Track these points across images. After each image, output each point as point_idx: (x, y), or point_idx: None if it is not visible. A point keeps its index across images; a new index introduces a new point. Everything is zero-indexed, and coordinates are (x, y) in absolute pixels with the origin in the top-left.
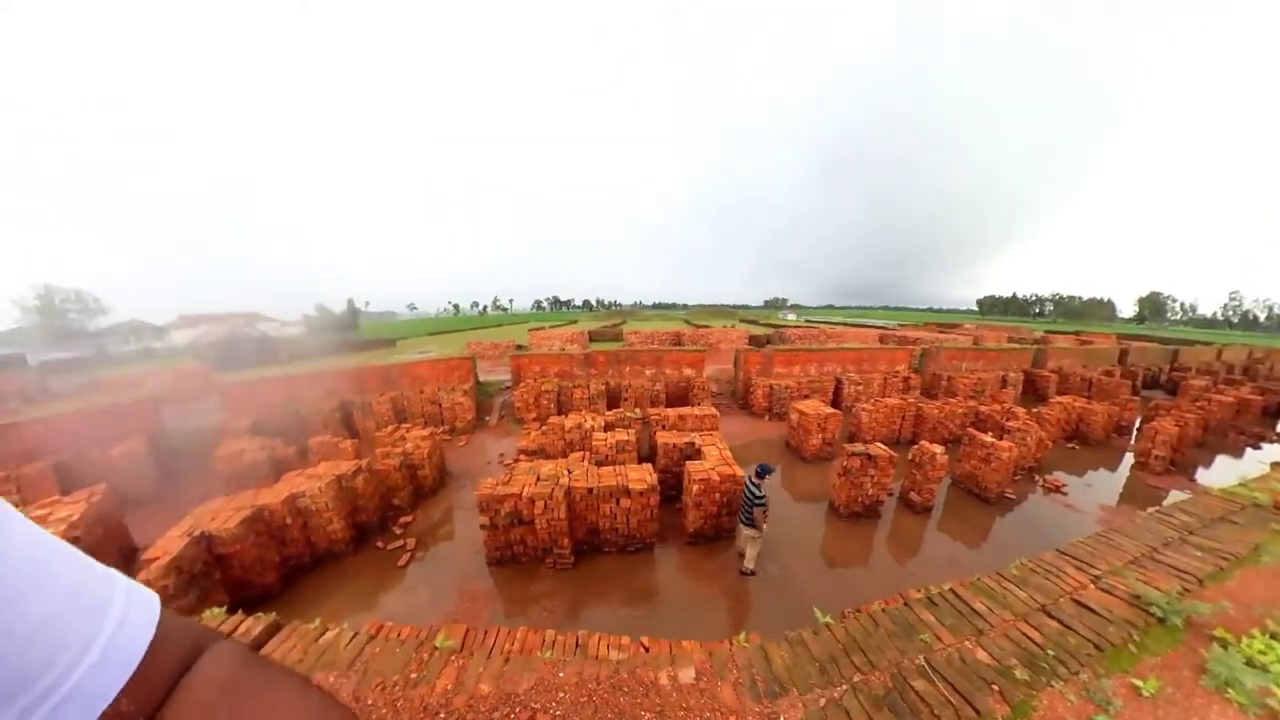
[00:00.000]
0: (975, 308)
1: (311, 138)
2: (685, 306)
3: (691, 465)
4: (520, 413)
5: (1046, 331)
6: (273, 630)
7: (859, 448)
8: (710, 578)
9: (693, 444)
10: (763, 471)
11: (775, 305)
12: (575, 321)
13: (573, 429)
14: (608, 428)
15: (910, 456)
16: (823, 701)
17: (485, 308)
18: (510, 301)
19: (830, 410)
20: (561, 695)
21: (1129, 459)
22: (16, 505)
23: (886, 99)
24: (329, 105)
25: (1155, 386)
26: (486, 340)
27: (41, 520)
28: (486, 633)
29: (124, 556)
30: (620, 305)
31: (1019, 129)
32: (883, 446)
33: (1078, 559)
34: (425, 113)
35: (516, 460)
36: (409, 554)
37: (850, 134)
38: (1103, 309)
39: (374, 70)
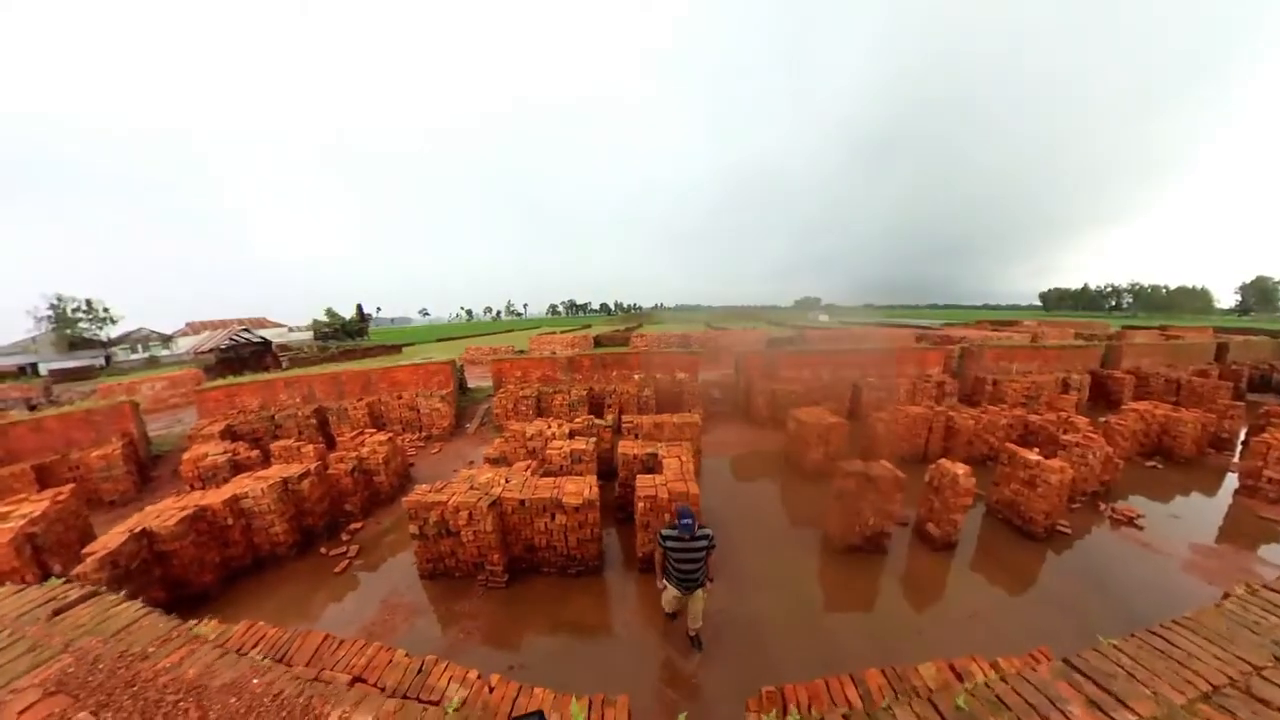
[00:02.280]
0: (1040, 303)
1: (318, 139)
2: (709, 309)
3: (641, 479)
4: (499, 419)
5: (1125, 327)
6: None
7: (855, 465)
8: (656, 612)
9: (654, 455)
10: (680, 517)
11: (806, 306)
12: (589, 326)
13: (534, 436)
14: (572, 435)
15: (927, 478)
16: None
17: (498, 313)
18: (525, 306)
19: (834, 419)
20: (232, 700)
21: (1231, 481)
22: None
23: (942, 62)
24: (333, 104)
25: (1265, 389)
26: (485, 345)
27: (3, 516)
28: (342, 643)
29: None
30: (639, 308)
31: (1099, 94)
32: (886, 465)
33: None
34: (436, 106)
35: (469, 469)
36: (348, 561)
37: (898, 107)
38: (1195, 299)
39: (380, 58)
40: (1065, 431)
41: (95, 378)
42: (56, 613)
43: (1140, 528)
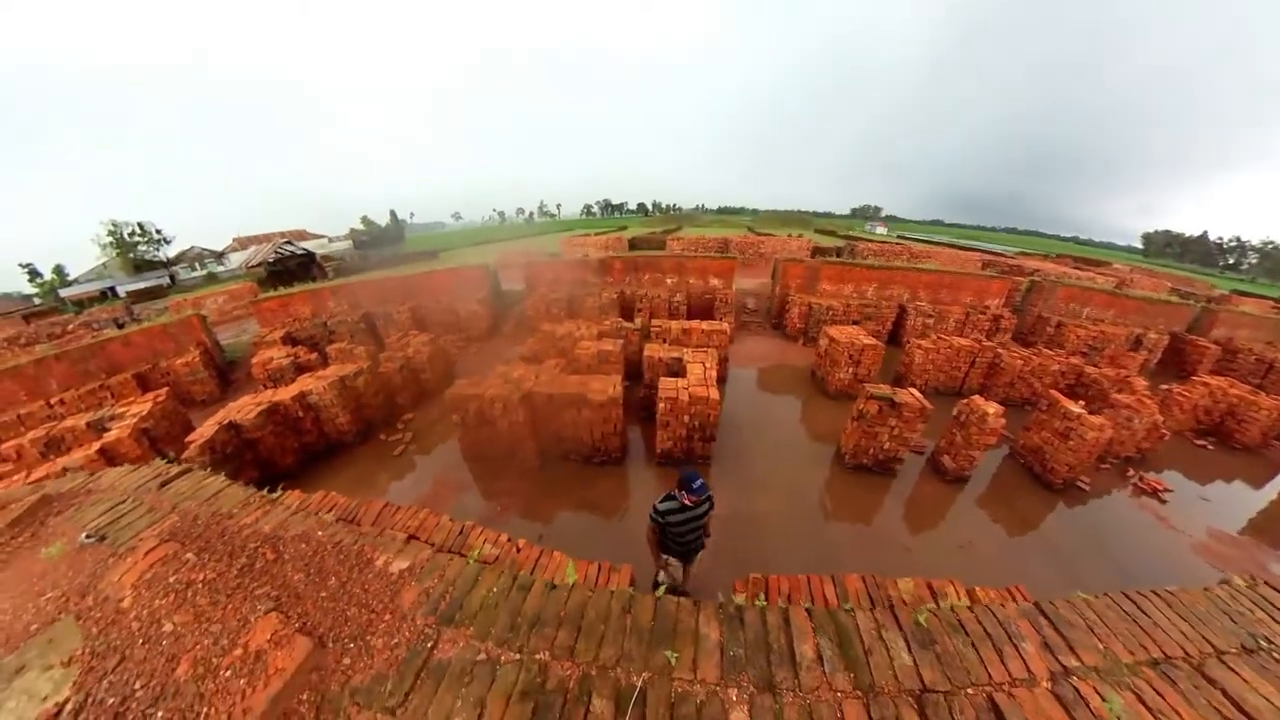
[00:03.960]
0: (1140, 245)
1: (343, 33)
2: (754, 212)
3: (664, 381)
4: (532, 321)
5: (1235, 291)
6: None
7: (883, 390)
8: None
9: (679, 359)
10: (690, 483)
11: (864, 215)
12: (625, 228)
13: (564, 337)
14: (601, 337)
15: (955, 412)
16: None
17: (531, 214)
18: (558, 207)
19: (869, 342)
20: (302, 546)
21: None
22: (108, 405)
23: None
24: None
25: None
26: (518, 249)
27: (122, 415)
28: (399, 509)
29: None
30: (679, 209)
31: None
32: (914, 394)
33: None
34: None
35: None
36: (404, 446)
37: None
38: None
39: None
40: (1119, 390)
41: (166, 295)
42: (163, 484)
43: (1163, 501)
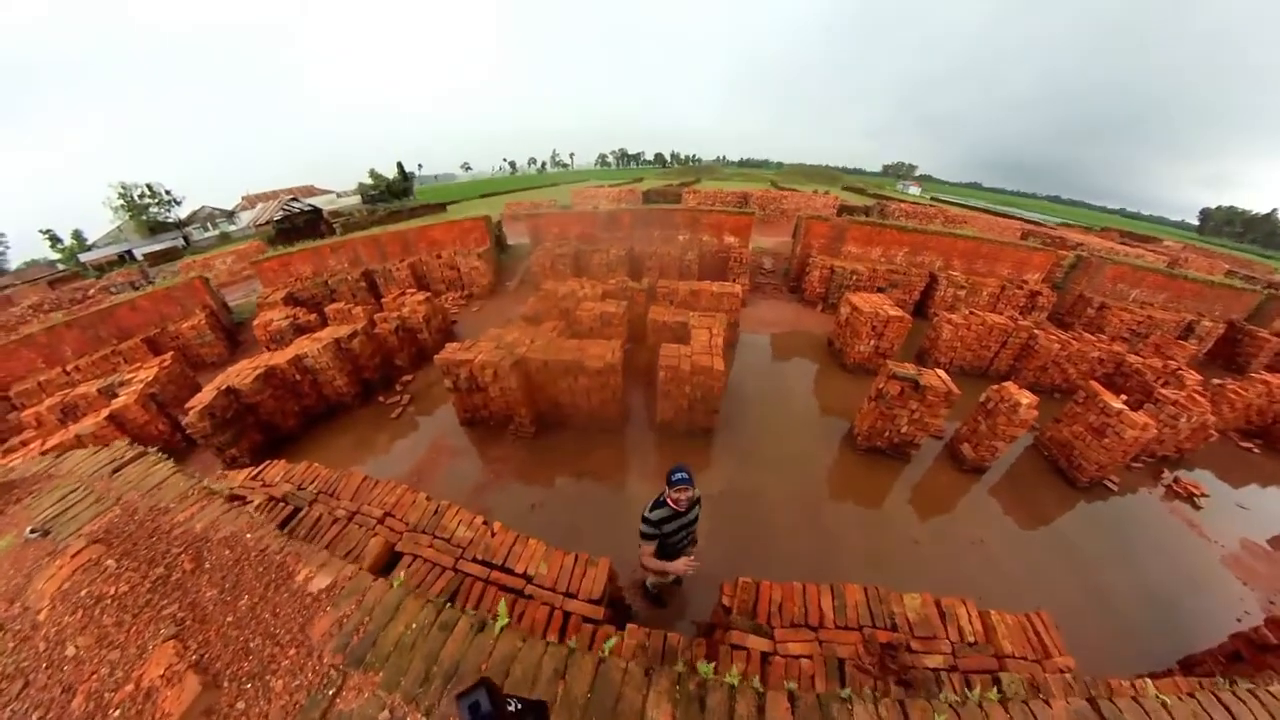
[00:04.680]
0: (1196, 222)
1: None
2: (779, 166)
3: (665, 348)
4: (537, 277)
5: None
6: None
7: (907, 370)
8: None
9: (684, 324)
10: (678, 479)
11: (897, 173)
12: (641, 179)
13: (566, 296)
14: (605, 297)
15: (983, 398)
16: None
17: (543, 164)
18: (571, 156)
19: (895, 313)
20: (226, 553)
21: None
22: (121, 371)
23: None
24: None
25: None
26: (527, 200)
27: (130, 381)
28: (378, 483)
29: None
30: (699, 161)
31: None
32: (942, 376)
33: None
34: None
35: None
36: (402, 408)
37: None
38: None
39: None
40: (1165, 383)
41: (181, 257)
42: (115, 470)
43: (1198, 506)
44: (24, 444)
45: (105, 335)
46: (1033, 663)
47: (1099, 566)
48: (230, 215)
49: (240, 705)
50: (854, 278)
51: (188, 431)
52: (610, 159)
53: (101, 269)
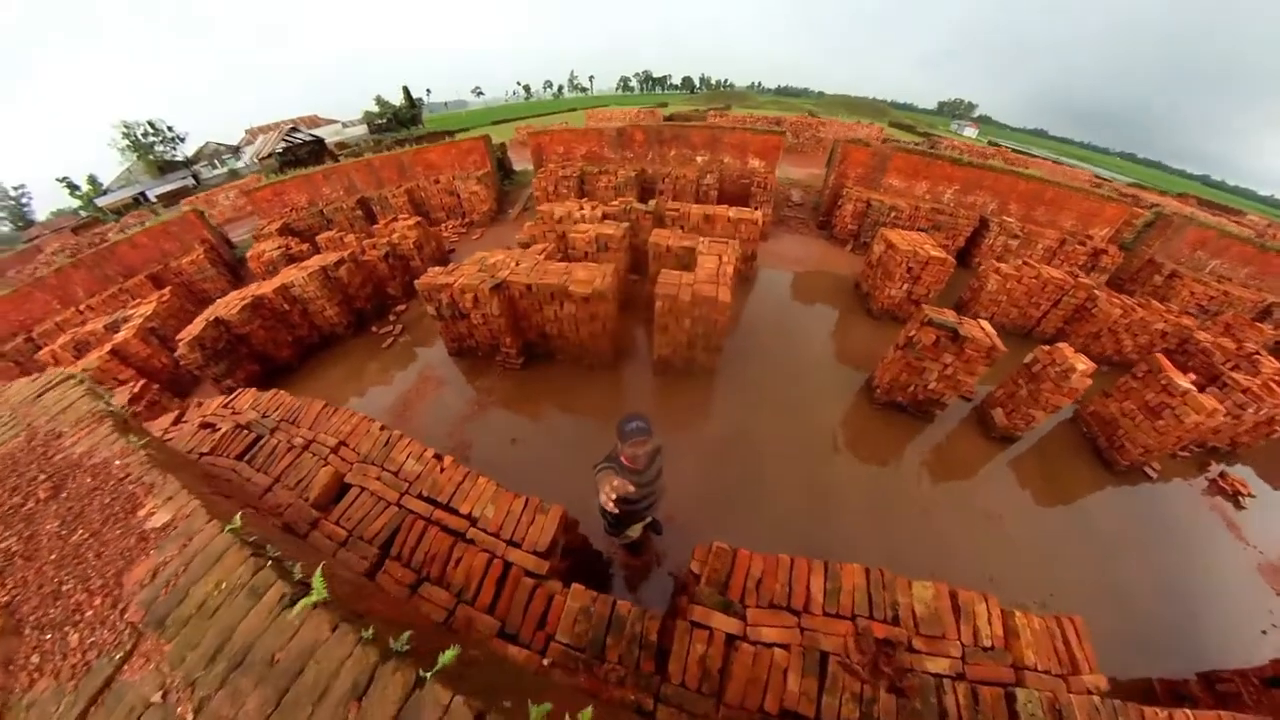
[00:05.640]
0: None
1: None
2: (819, 95)
3: (664, 275)
4: (540, 203)
5: None
6: None
7: (945, 317)
8: (658, 409)
9: (691, 250)
10: (631, 429)
11: (953, 111)
12: (665, 104)
13: (563, 219)
14: (606, 220)
15: (1029, 359)
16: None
17: (561, 88)
18: (591, 80)
19: (937, 253)
20: (88, 480)
21: None
22: (128, 307)
23: None
24: None
25: None
26: (539, 125)
27: (130, 317)
28: (336, 411)
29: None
30: (731, 86)
31: None
32: (986, 328)
33: None
34: None
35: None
36: (393, 338)
37: None
38: None
39: None
40: (1234, 367)
41: (192, 195)
42: (39, 395)
43: (1241, 506)
44: None
45: (111, 274)
46: (1057, 678)
47: (1122, 557)
48: (236, 151)
49: (35, 659)
50: (892, 214)
51: (181, 363)
52: (634, 83)
53: (119, 212)
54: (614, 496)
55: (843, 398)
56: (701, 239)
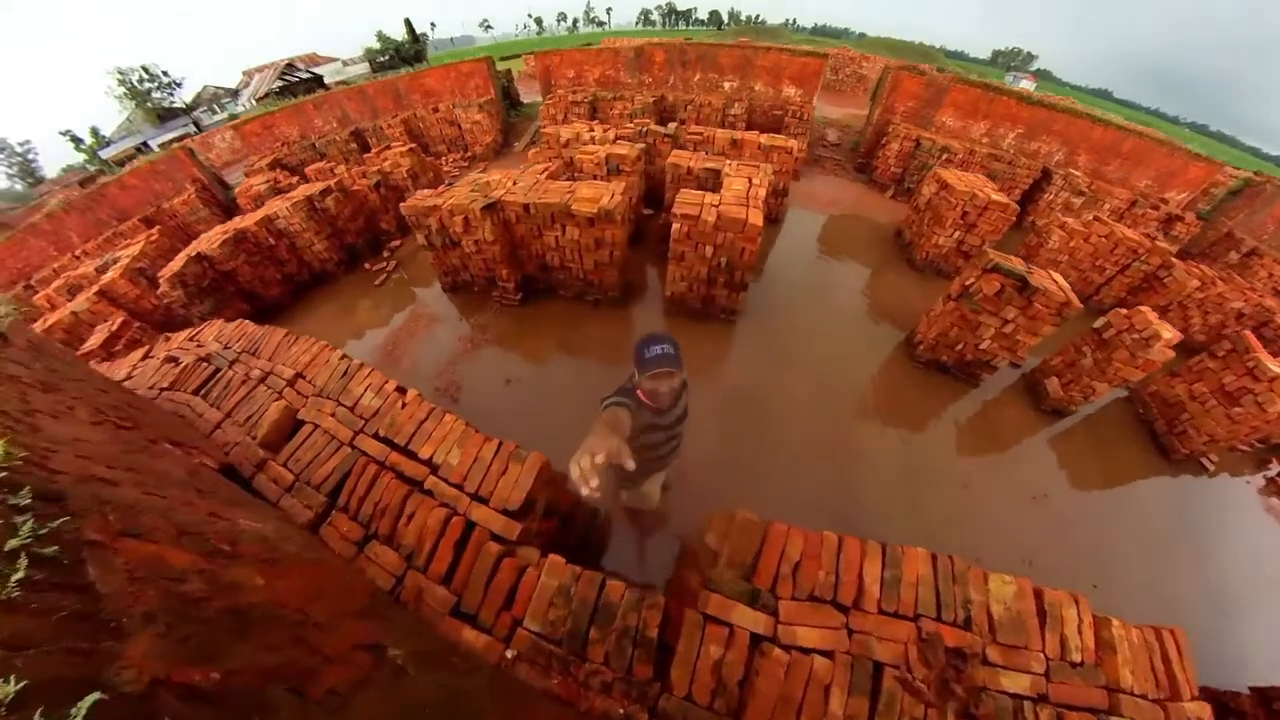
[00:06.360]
0: None
1: None
2: (861, 37)
3: (684, 193)
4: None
5: None
6: None
7: (1014, 264)
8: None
9: (716, 171)
10: (653, 356)
11: (1008, 62)
12: (689, 39)
13: (571, 141)
14: (619, 140)
15: (1100, 324)
16: None
17: (576, 21)
18: (608, 12)
19: (999, 198)
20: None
21: None
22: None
23: None
24: None
25: None
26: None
27: (120, 258)
28: (297, 339)
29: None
30: (763, 23)
31: None
32: (1059, 280)
33: None
34: None
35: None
36: (386, 275)
37: None
38: None
39: None
40: None
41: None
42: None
43: None
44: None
45: (105, 218)
46: (1154, 703)
47: (1172, 552)
48: (235, 95)
49: None
50: (943, 157)
51: (164, 301)
52: (655, 16)
53: (123, 163)
54: (598, 461)
55: (877, 355)
56: (728, 161)
